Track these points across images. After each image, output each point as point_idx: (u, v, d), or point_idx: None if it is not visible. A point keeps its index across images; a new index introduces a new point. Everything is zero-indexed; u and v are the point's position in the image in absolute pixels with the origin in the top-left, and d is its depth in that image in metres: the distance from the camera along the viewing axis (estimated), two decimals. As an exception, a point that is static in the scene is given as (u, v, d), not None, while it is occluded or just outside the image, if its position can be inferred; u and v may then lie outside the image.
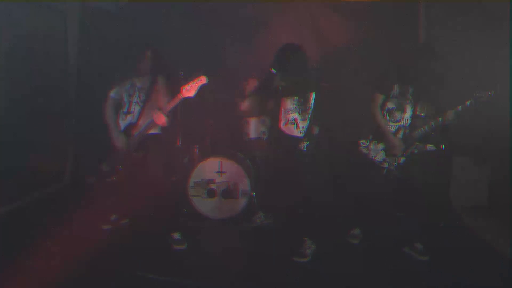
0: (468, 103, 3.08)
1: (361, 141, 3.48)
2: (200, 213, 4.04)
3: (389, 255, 3.35)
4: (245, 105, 4.11)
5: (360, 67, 4.39)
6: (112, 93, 3.61)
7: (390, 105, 3.39)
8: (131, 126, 3.52)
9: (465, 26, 4.21)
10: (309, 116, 3.37)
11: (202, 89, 3.36)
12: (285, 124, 3.42)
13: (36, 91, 4.38)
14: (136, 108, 3.54)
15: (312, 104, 3.35)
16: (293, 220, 3.57)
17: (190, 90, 3.31)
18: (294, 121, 3.37)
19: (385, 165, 3.40)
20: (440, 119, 3.19)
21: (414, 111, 3.35)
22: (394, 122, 3.39)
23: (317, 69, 3.68)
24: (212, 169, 4.02)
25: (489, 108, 3.12)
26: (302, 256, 3.23)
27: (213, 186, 4.02)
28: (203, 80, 3.32)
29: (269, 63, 3.30)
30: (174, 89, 3.51)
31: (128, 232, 3.71)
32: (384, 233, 3.58)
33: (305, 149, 3.43)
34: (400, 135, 3.37)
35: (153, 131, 3.54)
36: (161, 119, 3.40)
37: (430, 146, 3.31)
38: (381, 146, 3.42)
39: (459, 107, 3.11)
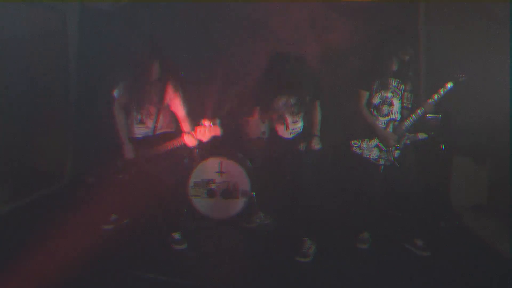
0: (448, 85, 3.17)
1: (352, 142, 3.44)
2: (200, 213, 4.05)
3: (389, 254, 3.35)
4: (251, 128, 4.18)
5: (358, 67, 4.39)
6: (116, 93, 3.50)
7: (375, 100, 3.39)
8: (147, 139, 3.45)
9: (465, 25, 4.21)
10: (301, 119, 3.39)
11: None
12: (276, 124, 3.44)
13: (36, 91, 4.38)
14: (148, 121, 3.44)
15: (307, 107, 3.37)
16: (293, 220, 3.57)
17: (203, 134, 3.28)
18: (284, 121, 3.37)
19: (381, 161, 3.39)
20: (425, 105, 3.25)
21: (401, 104, 3.35)
22: (382, 117, 3.38)
23: (315, 75, 3.69)
24: (212, 169, 4.02)
25: (468, 89, 3.27)
26: (304, 256, 3.23)
27: (213, 186, 4.01)
28: (217, 131, 3.29)
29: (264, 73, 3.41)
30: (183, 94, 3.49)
31: (128, 232, 3.72)
32: (383, 231, 3.59)
33: (303, 149, 3.44)
34: (390, 128, 3.37)
35: (166, 130, 3.50)
36: (192, 142, 3.34)
37: (421, 135, 3.32)
38: (373, 143, 3.40)
39: (441, 90, 3.19)
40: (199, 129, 3.27)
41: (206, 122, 3.27)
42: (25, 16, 4.11)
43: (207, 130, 3.28)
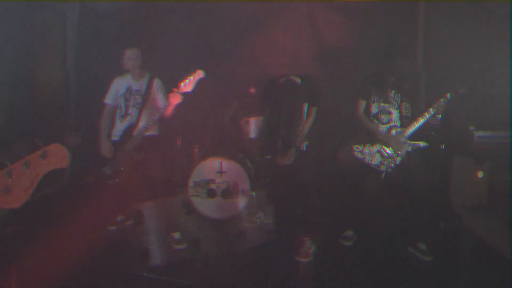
0: (448, 95, 3.18)
1: (354, 146, 3.45)
2: (200, 213, 4.04)
3: (390, 256, 3.35)
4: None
5: (358, 69, 4.39)
6: (107, 100, 3.62)
7: (373, 109, 3.41)
8: (131, 127, 3.53)
9: (465, 25, 4.21)
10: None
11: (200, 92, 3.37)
12: None
13: (35, 90, 4.38)
14: (133, 111, 3.57)
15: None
16: (293, 220, 3.58)
17: (187, 85, 3.32)
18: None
19: (382, 168, 3.38)
20: (426, 114, 3.24)
21: (400, 112, 3.36)
22: (383, 125, 3.39)
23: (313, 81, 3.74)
24: (212, 169, 4.02)
25: (468, 100, 3.29)
26: (304, 256, 3.23)
27: (213, 186, 4.01)
28: (200, 74, 3.34)
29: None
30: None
31: (128, 232, 3.72)
32: (385, 233, 3.59)
33: (304, 149, 3.45)
34: (393, 133, 3.37)
35: (150, 132, 3.55)
36: (178, 98, 3.35)
37: (423, 144, 3.32)
38: (375, 148, 3.40)
39: (441, 100, 3.19)
40: (182, 83, 3.31)
41: (187, 75, 3.33)
42: (24, 16, 4.10)
43: (191, 79, 3.31)
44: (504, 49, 3.79)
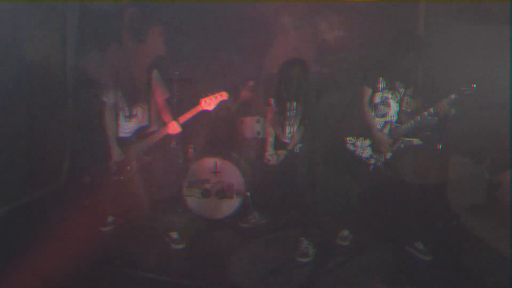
0: (452, 96, 3.09)
1: (347, 138, 3.43)
2: (195, 213, 4.02)
3: (388, 256, 3.33)
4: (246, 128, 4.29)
5: (356, 66, 4.38)
6: (105, 98, 3.51)
7: (376, 99, 3.37)
8: (142, 129, 3.48)
9: (465, 25, 4.20)
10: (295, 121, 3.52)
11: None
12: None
13: (34, 91, 4.38)
14: (139, 111, 3.47)
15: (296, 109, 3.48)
16: (289, 220, 3.57)
17: (210, 103, 3.29)
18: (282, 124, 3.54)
19: (372, 161, 3.37)
20: (425, 113, 3.18)
21: (400, 107, 3.33)
22: (379, 117, 3.36)
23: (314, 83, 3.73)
24: (207, 169, 4.00)
25: (473, 102, 3.15)
26: (303, 256, 3.20)
27: (207, 186, 3.99)
28: (224, 96, 3.30)
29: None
30: (169, 85, 3.56)
31: (126, 233, 3.71)
32: (383, 232, 3.57)
33: (297, 151, 3.45)
34: (386, 130, 3.35)
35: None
36: (175, 129, 3.35)
37: (416, 141, 3.30)
38: (367, 142, 3.39)
39: (444, 100, 3.11)
40: (204, 100, 3.28)
41: (211, 93, 3.30)
42: (24, 16, 4.11)
43: (213, 99, 3.28)
44: (504, 49, 3.77)
